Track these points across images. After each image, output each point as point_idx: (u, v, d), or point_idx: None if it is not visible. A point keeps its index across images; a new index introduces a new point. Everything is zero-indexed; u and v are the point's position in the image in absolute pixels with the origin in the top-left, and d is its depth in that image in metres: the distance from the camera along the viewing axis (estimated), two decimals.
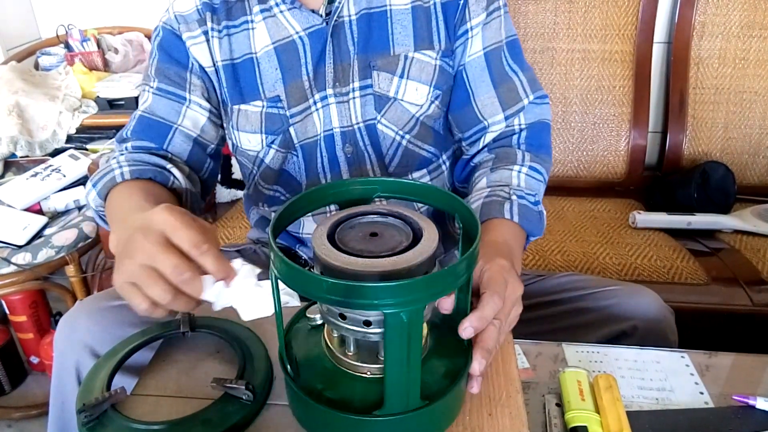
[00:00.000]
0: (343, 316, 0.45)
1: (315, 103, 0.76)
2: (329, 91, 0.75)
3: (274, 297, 0.45)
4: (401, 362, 0.41)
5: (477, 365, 0.47)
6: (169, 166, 0.72)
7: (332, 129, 0.77)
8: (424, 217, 0.48)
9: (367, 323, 0.44)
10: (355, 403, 0.45)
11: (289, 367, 0.47)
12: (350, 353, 0.48)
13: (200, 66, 0.76)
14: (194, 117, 0.77)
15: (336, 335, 0.49)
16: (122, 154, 0.73)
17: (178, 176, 0.72)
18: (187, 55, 0.76)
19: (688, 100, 1.51)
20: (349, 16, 0.74)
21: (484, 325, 0.48)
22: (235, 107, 0.77)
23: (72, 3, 1.78)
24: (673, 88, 1.52)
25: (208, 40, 0.75)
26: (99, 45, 1.66)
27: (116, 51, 1.67)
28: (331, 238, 0.46)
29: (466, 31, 0.76)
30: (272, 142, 0.78)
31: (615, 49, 1.50)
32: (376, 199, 0.54)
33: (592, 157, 1.56)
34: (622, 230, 1.34)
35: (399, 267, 0.42)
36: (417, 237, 0.46)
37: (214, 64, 0.76)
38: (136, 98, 1.50)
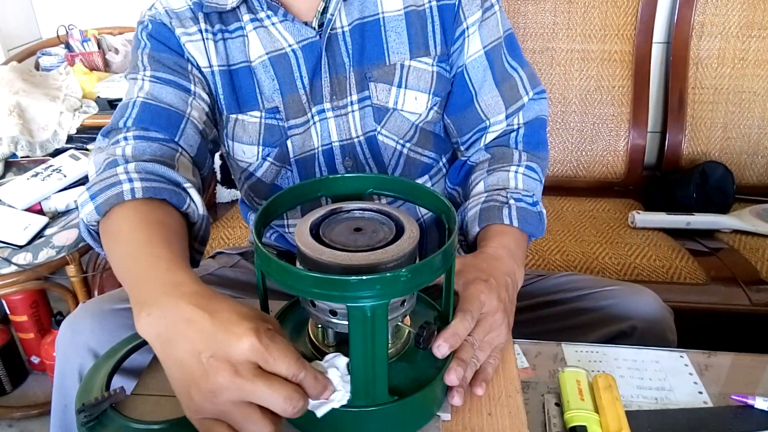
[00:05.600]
0: (313, 303, 0.46)
1: (312, 117, 0.74)
2: (326, 105, 0.73)
3: (259, 289, 0.46)
4: (366, 357, 0.42)
5: (453, 374, 0.47)
6: (186, 185, 0.61)
7: (331, 143, 0.75)
8: (407, 214, 0.48)
9: (333, 313, 0.45)
10: None
11: None
12: (326, 343, 0.49)
13: (197, 63, 0.72)
14: (200, 109, 0.71)
15: (319, 327, 0.50)
16: (130, 162, 0.60)
17: (196, 199, 0.61)
18: (182, 48, 0.71)
19: (687, 100, 1.51)
20: (342, 27, 0.72)
21: (458, 342, 0.49)
22: (232, 116, 0.74)
23: (72, 3, 1.78)
24: (672, 88, 1.52)
25: (204, 40, 0.71)
26: (99, 45, 1.66)
27: (117, 51, 1.67)
28: (317, 229, 0.47)
29: (463, 32, 0.74)
30: (268, 155, 0.76)
31: (614, 49, 1.50)
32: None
33: (591, 157, 1.56)
34: (622, 230, 1.34)
35: (370, 261, 0.42)
36: (400, 233, 0.46)
37: (210, 66, 0.72)
38: None
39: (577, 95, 1.53)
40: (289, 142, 0.75)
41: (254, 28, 0.72)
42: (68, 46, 1.63)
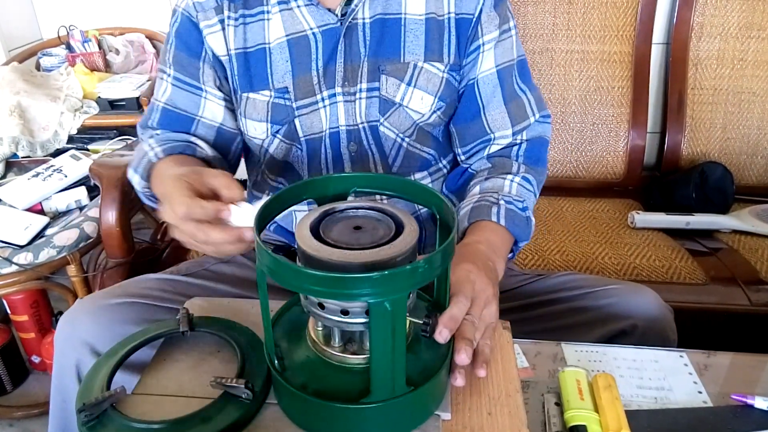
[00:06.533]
0: (322, 306, 0.46)
1: (323, 99, 0.77)
2: (338, 89, 0.77)
3: (260, 288, 0.46)
4: (386, 350, 0.43)
5: (462, 354, 0.49)
6: (193, 139, 0.78)
7: (338, 127, 0.79)
8: (406, 212, 0.49)
9: (345, 312, 0.45)
10: (336, 392, 0.46)
11: (273, 357, 0.48)
12: (331, 344, 0.49)
13: (214, 54, 0.77)
14: (212, 108, 0.80)
15: (320, 327, 0.50)
16: (152, 138, 0.79)
17: (204, 146, 0.78)
18: (202, 44, 0.77)
19: (687, 101, 1.51)
20: (364, 19, 0.75)
21: (456, 325, 0.51)
22: (244, 95, 0.79)
23: (73, 4, 1.79)
24: (672, 88, 1.52)
25: (223, 29, 0.76)
26: (100, 46, 1.67)
27: (117, 52, 1.67)
28: (316, 230, 0.47)
29: (478, 47, 0.78)
30: (277, 132, 0.80)
31: (614, 50, 1.50)
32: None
33: (590, 157, 1.56)
34: (621, 230, 1.34)
35: (380, 258, 0.43)
36: (399, 231, 0.47)
37: (228, 53, 0.77)
38: (137, 99, 1.51)
39: (577, 96, 1.53)
40: (297, 121, 0.78)
41: (280, 10, 0.76)
42: (69, 47, 1.64)
